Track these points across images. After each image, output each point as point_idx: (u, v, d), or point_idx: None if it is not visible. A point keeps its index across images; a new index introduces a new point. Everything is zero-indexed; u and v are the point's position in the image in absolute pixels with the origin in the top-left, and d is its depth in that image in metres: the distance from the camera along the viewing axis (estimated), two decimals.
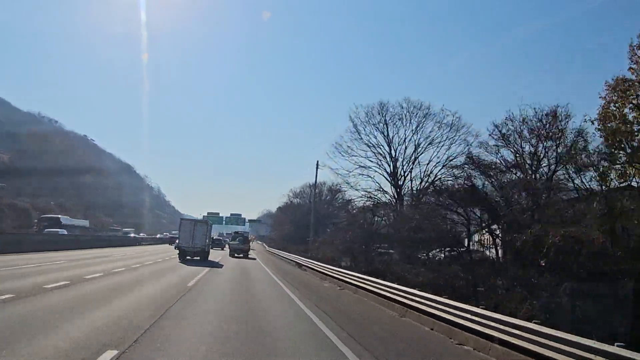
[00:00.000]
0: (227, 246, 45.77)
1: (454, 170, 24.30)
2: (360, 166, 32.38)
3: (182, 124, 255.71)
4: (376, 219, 21.68)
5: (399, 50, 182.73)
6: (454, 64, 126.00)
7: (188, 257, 27.03)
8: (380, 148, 32.18)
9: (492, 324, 6.99)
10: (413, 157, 30.98)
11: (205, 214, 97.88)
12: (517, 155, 20.71)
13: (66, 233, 40.79)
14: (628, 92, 15.90)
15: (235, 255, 37.74)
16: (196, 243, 27.51)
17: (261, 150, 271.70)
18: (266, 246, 75.64)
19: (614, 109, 16.23)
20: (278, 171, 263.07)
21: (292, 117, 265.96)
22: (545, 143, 19.89)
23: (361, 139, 32.42)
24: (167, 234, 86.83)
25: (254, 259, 36.95)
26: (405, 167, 30.56)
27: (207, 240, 29.41)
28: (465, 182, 17.64)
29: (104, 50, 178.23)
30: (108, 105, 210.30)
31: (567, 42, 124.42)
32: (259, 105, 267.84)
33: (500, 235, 17.10)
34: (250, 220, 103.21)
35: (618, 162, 16.12)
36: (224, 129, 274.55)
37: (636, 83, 15.48)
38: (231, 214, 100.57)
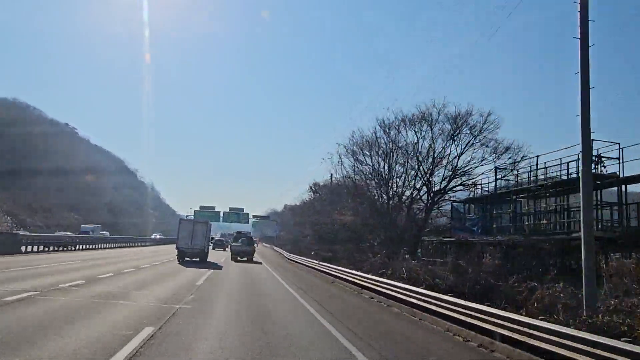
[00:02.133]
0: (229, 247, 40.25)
1: None
2: None
3: (180, 121, 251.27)
4: None
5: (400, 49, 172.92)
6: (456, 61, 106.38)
7: (187, 259, 26.83)
8: None
9: None
10: None
11: (198, 209, 75.79)
12: None
13: None
14: None
15: (239, 258, 33.46)
16: (195, 244, 27.73)
17: (261, 149, 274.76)
18: (284, 252, 49.49)
19: None
20: (278, 171, 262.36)
21: (292, 117, 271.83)
22: None
23: None
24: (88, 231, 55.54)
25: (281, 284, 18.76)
26: None
27: (206, 241, 29.57)
28: None
29: (103, 48, 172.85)
30: (105, 102, 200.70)
31: None
32: (259, 104, 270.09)
33: None
34: (255, 217, 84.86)
35: None
36: (223, 127, 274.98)
37: None
38: (230, 209, 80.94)
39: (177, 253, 27.10)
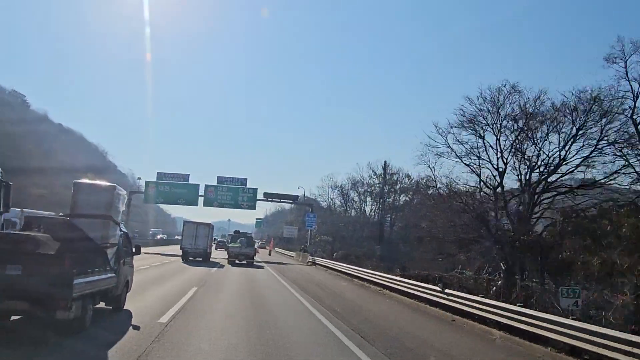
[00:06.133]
0: None
1: None
2: None
3: (177, 117, 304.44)
4: None
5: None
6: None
7: (191, 258, 37.29)
8: None
9: None
10: None
11: (154, 178, 56.68)
12: None
13: None
14: None
15: (237, 261, 38.51)
16: (198, 244, 38.14)
17: (262, 148, 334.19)
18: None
19: None
20: (278, 171, 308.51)
21: (294, 117, 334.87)
22: None
23: None
24: None
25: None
26: None
27: (209, 242, 40.53)
28: None
29: (102, 46, 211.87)
30: (101, 99, 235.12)
31: None
32: (260, 102, 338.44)
33: None
34: (269, 196, 61.23)
35: None
36: (222, 124, 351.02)
37: None
38: (220, 180, 58.29)
39: (181, 253, 38.44)
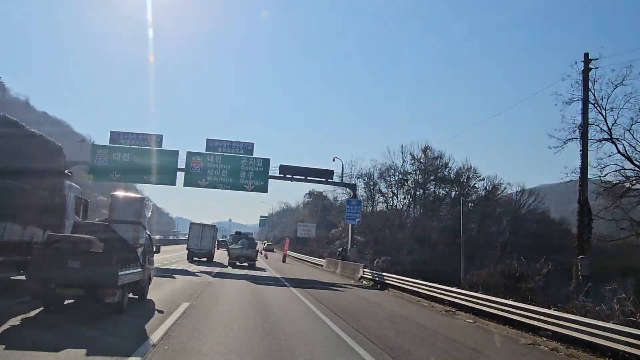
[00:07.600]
0: None
1: None
2: None
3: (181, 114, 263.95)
4: None
5: None
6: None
7: (195, 258, 54.69)
8: None
9: None
10: None
11: (106, 141, 51.98)
12: None
13: None
14: None
15: (237, 263, 51.46)
16: (204, 245, 54.44)
17: (265, 147, 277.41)
18: None
19: None
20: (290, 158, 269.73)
21: (295, 116, 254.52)
22: None
23: None
24: None
25: None
26: None
27: (213, 243, 58.07)
28: None
29: (107, 48, 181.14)
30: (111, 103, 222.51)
31: None
32: (259, 101, 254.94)
33: None
34: (287, 172, 55.19)
35: None
36: (224, 124, 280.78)
37: None
38: (211, 146, 53.00)
39: (187, 253, 54.69)
